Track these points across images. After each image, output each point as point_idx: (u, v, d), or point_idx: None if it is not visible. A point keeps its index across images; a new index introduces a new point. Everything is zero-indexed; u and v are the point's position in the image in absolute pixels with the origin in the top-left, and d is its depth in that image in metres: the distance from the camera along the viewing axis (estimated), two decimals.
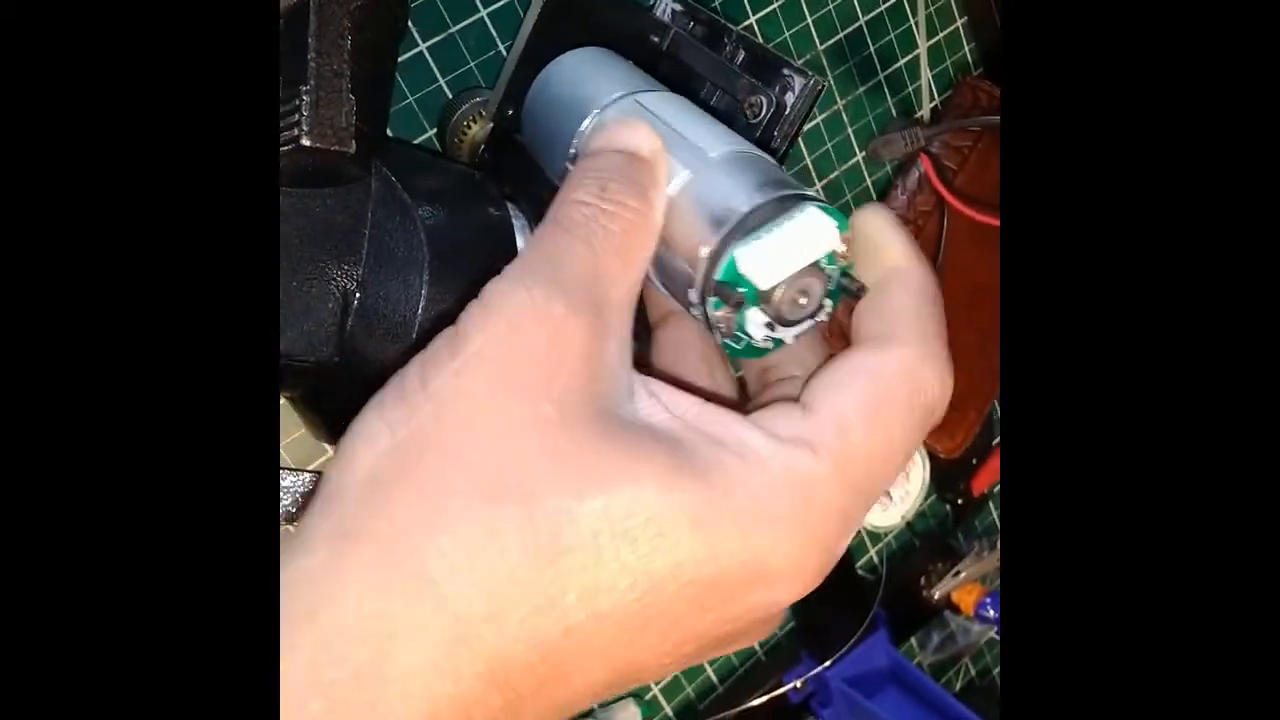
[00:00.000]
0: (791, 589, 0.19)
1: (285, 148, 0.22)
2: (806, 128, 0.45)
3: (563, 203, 0.21)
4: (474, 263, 0.28)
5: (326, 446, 0.40)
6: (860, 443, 0.20)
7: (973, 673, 0.71)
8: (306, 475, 0.31)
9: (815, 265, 0.21)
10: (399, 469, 0.18)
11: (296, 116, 0.21)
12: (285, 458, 0.40)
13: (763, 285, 0.21)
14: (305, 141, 0.21)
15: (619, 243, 0.20)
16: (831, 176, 0.52)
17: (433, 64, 0.38)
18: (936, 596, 0.63)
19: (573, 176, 0.21)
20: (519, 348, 0.18)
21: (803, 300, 0.22)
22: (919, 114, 0.53)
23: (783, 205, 0.21)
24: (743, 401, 0.25)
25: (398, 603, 0.17)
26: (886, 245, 0.22)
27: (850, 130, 0.51)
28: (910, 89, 0.53)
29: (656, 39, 0.34)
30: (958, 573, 0.63)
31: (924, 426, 0.21)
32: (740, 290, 0.21)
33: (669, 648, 0.19)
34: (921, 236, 0.53)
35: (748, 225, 0.21)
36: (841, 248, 0.22)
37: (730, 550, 0.18)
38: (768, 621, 0.20)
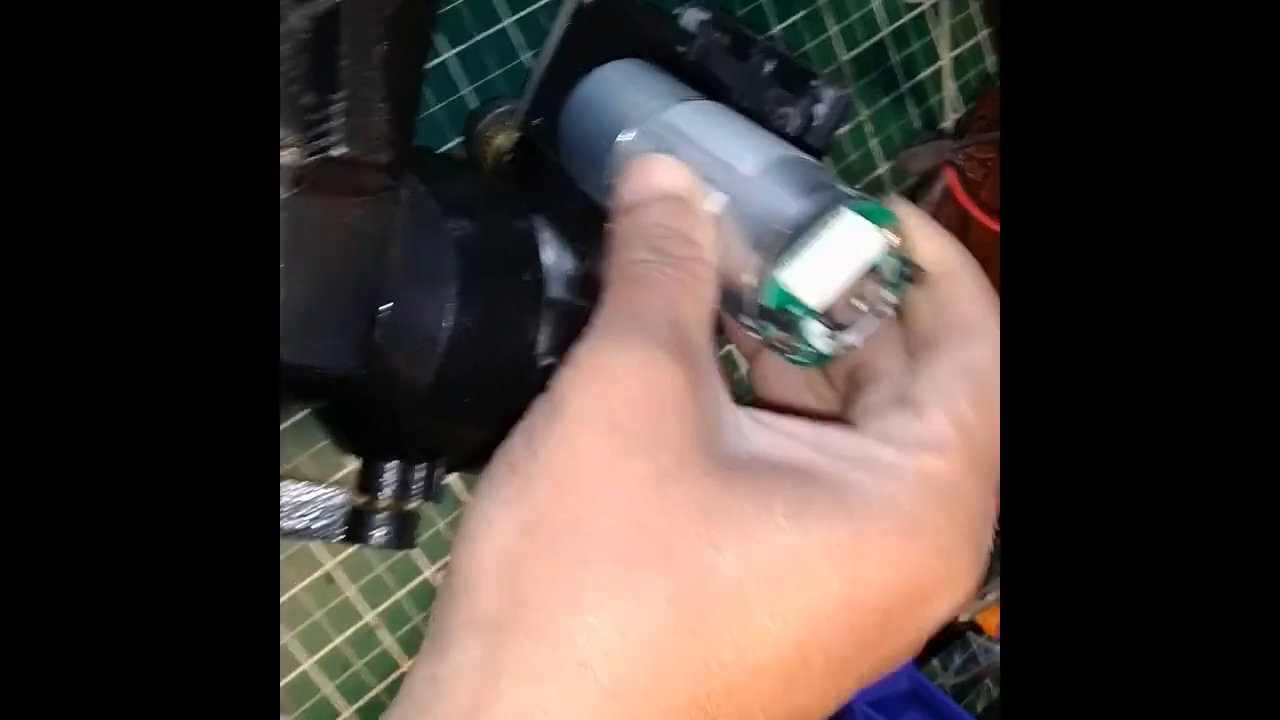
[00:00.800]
0: (953, 599, 0.19)
1: (316, 157, 0.21)
2: None
3: (622, 263, 0.21)
4: (500, 275, 0.28)
5: (348, 460, 0.40)
6: (980, 434, 0.19)
7: (994, 695, 0.70)
8: (331, 491, 0.30)
9: (865, 269, 0.21)
10: (529, 550, 0.17)
11: (329, 126, 0.21)
12: (305, 471, 0.39)
13: (813, 304, 0.20)
14: (339, 151, 0.21)
15: (688, 288, 0.20)
16: (856, 188, 0.51)
17: (457, 72, 0.38)
18: (960, 618, 0.62)
19: (622, 238, 0.21)
20: (624, 403, 0.18)
21: (860, 304, 0.21)
22: (943, 125, 0.53)
23: (820, 214, 0.21)
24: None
25: (556, 693, 0.16)
26: (924, 239, 0.22)
27: (873, 142, 0.51)
28: (933, 100, 0.53)
29: (683, 49, 0.33)
30: (983, 595, 0.62)
31: None
32: (793, 311, 0.21)
33: (829, 687, 0.18)
34: None
35: (787, 245, 0.20)
36: (891, 241, 0.21)
37: (882, 573, 0.18)
38: (924, 637, 0.20)
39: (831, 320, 0.21)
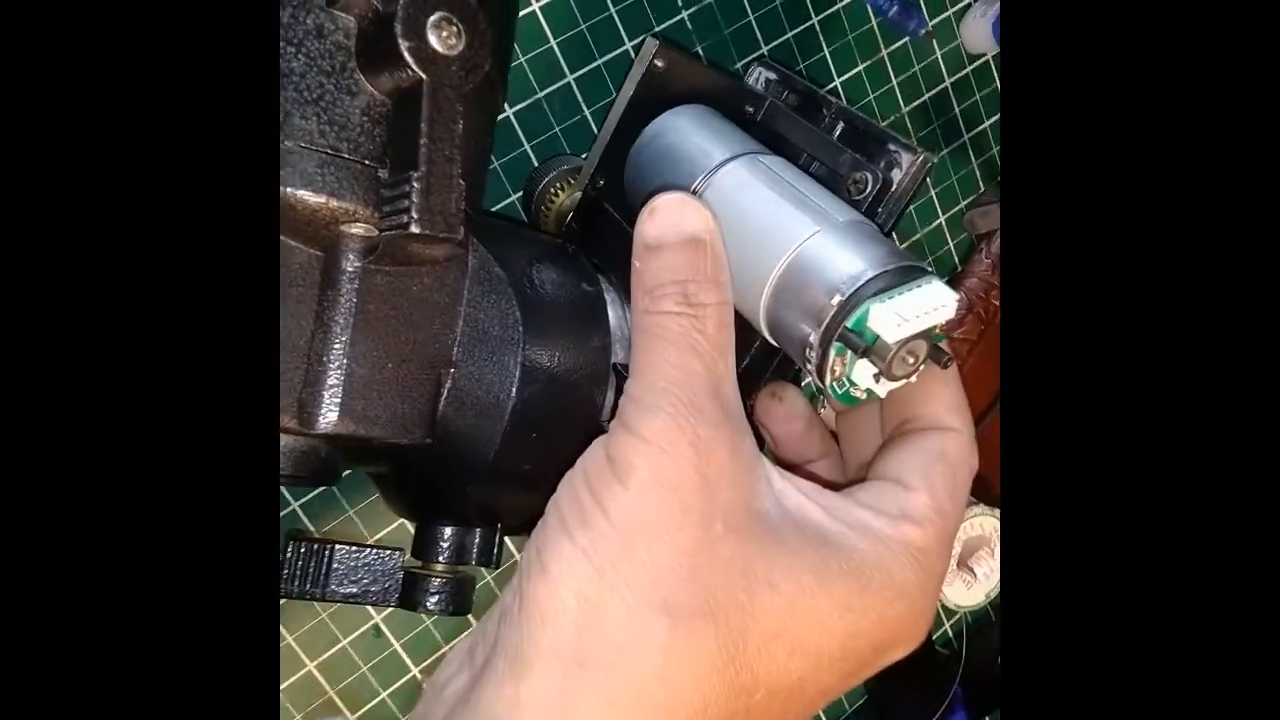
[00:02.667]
0: (911, 647, 0.24)
1: (391, 232, 0.21)
2: None
3: (652, 313, 0.22)
4: (568, 341, 0.27)
5: (394, 516, 0.40)
6: (950, 515, 0.24)
7: None
8: (384, 554, 0.30)
9: (928, 330, 0.23)
10: (606, 593, 0.20)
11: (406, 203, 0.20)
12: (349, 526, 0.39)
13: (889, 339, 0.22)
14: (414, 229, 0.20)
15: (717, 341, 0.22)
16: (915, 238, 0.50)
17: (519, 129, 0.38)
18: None
19: (649, 283, 0.22)
20: (680, 474, 0.21)
21: (909, 359, 0.23)
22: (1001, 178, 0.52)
23: (908, 274, 0.23)
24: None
25: (622, 718, 0.20)
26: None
27: (934, 193, 0.50)
28: (994, 150, 0.52)
29: (751, 109, 0.33)
30: None
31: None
32: (863, 340, 0.23)
33: (809, 708, 0.23)
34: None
35: (879, 285, 0.23)
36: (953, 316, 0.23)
37: (874, 629, 0.22)
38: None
39: (884, 364, 0.23)
